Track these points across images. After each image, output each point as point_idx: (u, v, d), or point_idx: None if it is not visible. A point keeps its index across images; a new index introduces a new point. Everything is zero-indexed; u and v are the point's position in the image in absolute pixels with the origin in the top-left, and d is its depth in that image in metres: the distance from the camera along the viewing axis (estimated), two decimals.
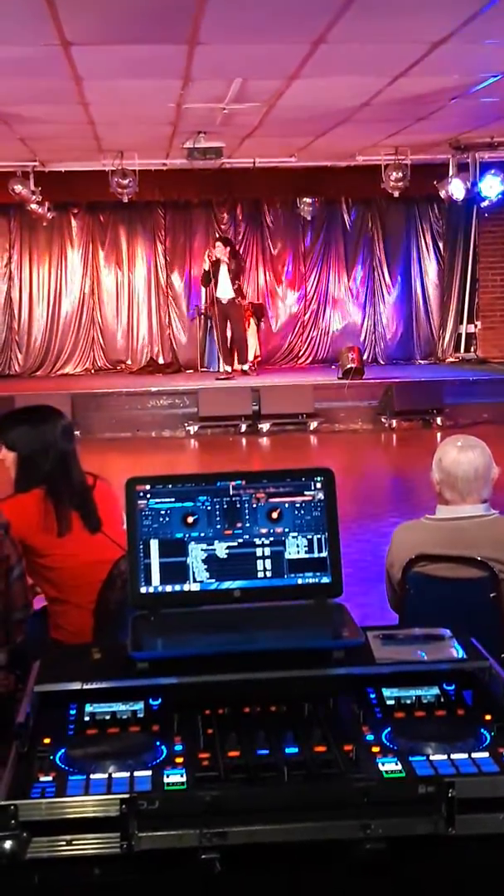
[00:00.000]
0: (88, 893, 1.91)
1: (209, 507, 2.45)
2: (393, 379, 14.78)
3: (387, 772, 1.95)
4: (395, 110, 10.98)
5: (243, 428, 13.93)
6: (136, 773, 1.96)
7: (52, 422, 3.95)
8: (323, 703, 2.19)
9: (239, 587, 2.43)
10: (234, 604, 2.43)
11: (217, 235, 16.42)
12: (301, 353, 17.38)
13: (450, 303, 17.23)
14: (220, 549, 2.44)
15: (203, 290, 16.13)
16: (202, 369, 16.56)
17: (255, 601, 2.44)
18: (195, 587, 2.43)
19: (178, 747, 2.05)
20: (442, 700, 2.23)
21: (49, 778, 1.95)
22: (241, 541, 2.44)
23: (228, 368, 15.29)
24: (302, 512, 2.47)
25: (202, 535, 2.44)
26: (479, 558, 3.61)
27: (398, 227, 17.30)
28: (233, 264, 15.24)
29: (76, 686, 2.23)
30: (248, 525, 2.45)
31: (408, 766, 1.96)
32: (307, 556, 2.46)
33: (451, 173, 13.83)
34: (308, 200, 16.17)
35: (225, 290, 15.16)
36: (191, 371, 16.69)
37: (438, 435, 13.14)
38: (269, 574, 2.44)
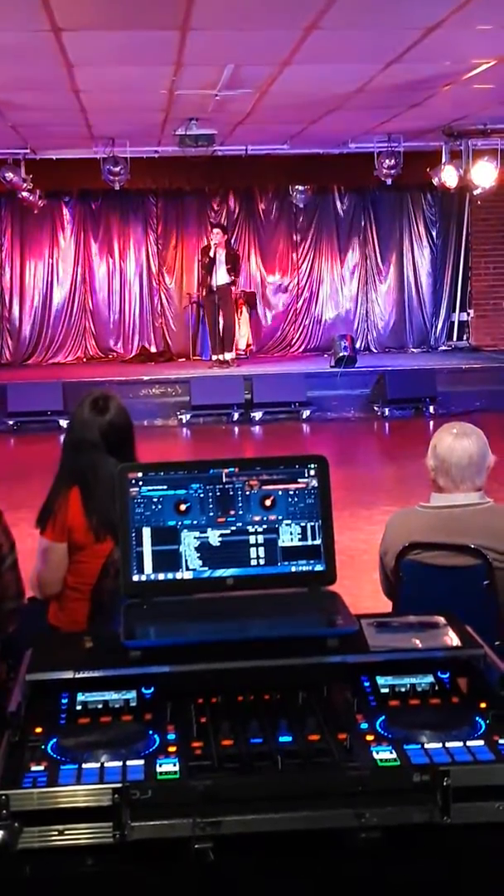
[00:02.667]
0: (81, 883, 1.90)
1: (202, 495, 2.43)
2: (385, 367, 14.76)
3: (381, 760, 1.94)
4: (388, 97, 10.94)
5: (235, 417, 13.91)
6: (129, 763, 1.94)
7: (80, 413, 3.84)
8: (317, 692, 2.18)
9: (232, 575, 2.41)
10: (227, 592, 2.42)
11: (213, 222, 16.37)
12: (293, 341, 17.35)
13: (442, 291, 17.21)
14: (213, 537, 2.42)
15: (201, 277, 15.97)
16: (194, 358, 16.52)
17: (249, 589, 2.42)
18: (188, 575, 2.41)
19: (171, 736, 2.04)
20: (436, 688, 2.22)
21: (41, 767, 1.93)
22: (234, 528, 2.43)
23: (220, 357, 15.23)
24: (295, 499, 2.45)
25: (195, 522, 2.42)
26: (472, 546, 3.60)
27: (391, 215, 17.27)
28: (230, 251, 15.21)
29: (68, 675, 2.22)
30: (241, 513, 2.43)
31: (402, 755, 1.95)
32: (301, 543, 2.44)
33: (443, 161, 13.79)
34: (300, 188, 16.12)
35: (220, 277, 15.10)
36: (183, 360, 16.66)
37: (431, 423, 13.13)
38: (262, 562, 2.43)
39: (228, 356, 15.21)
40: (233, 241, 16.37)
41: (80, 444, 3.82)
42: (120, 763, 1.94)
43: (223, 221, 16.64)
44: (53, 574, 3.81)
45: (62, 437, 4.04)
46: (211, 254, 15.10)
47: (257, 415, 13.90)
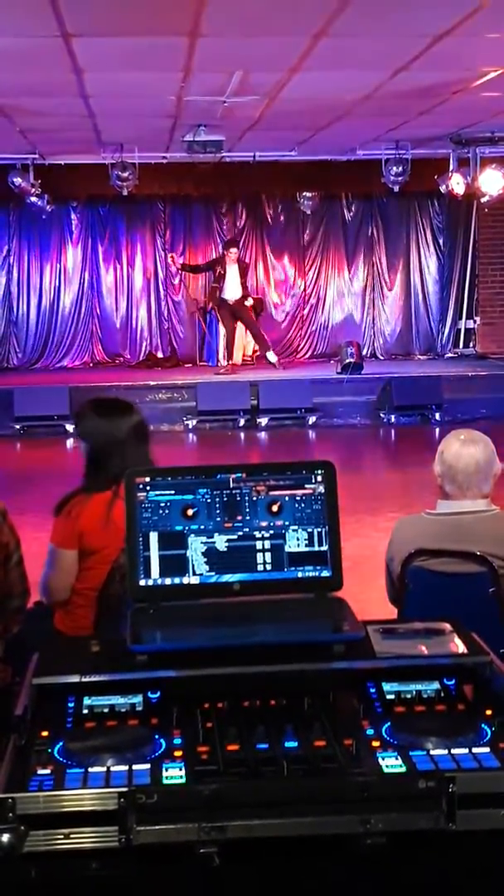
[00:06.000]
0: (86, 887, 1.90)
1: (209, 500, 2.43)
2: (392, 374, 14.76)
3: (387, 766, 1.94)
4: (396, 104, 10.95)
5: (242, 422, 13.92)
6: (135, 767, 1.94)
7: (126, 418, 3.88)
8: (323, 698, 2.18)
9: (239, 580, 2.42)
10: (233, 597, 2.42)
11: (226, 239, 16.42)
12: (300, 347, 17.36)
13: (449, 298, 17.21)
14: (220, 542, 2.42)
15: (210, 288, 16.11)
16: (201, 363, 16.55)
17: (255, 594, 2.43)
18: (195, 580, 2.41)
19: (177, 741, 2.04)
20: (442, 695, 2.22)
21: (47, 771, 1.93)
22: (241, 534, 2.43)
23: (268, 359, 15.29)
24: (302, 505, 2.45)
25: (202, 527, 2.42)
26: (478, 553, 3.60)
27: (398, 222, 17.28)
28: (242, 266, 15.35)
29: (75, 679, 2.22)
30: (248, 518, 2.44)
31: (408, 761, 1.95)
32: (307, 549, 2.44)
33: (451, 168, 13.80)
34: (308, 195, 16.13)
35: (233, 291, 15.19)
36: (189, 365, 16.68)
37: (437, 430, 13.14)
38: (268, 567, 2.43)
39: (273, 358, 15.39)
40: (239, 247, 16.40)
41: (117, 443, 3.79)
42: (126, 767, 1.94)
43: (230, 228, 16.68)
44: (62, 580, 3.81)
45: (69, 442, 4.05)
46: (221, 269, 15.24)
47: (263, 421, 13.91)
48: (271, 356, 15.47)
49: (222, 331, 15.90)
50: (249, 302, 15.56)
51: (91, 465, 3.89)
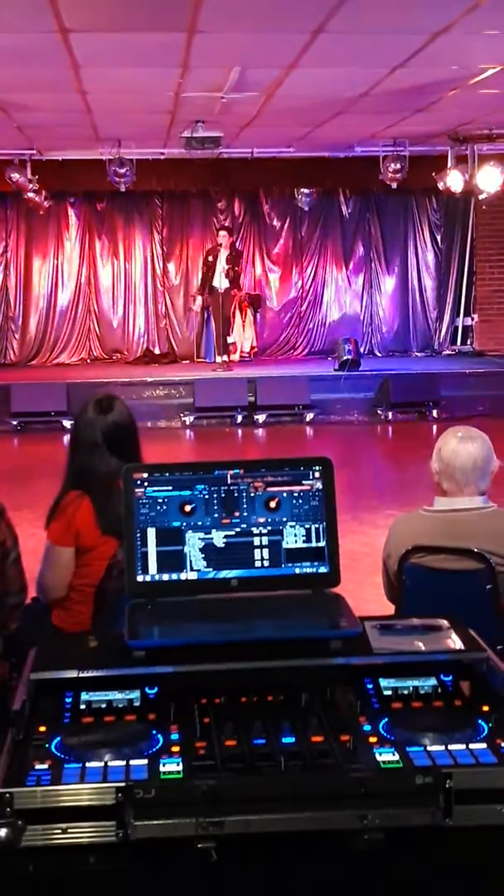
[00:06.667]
0: (84, 882, 1.91)
1: (207, 496, 2.43)
2: (389, 371, 14.76)
3: (384, 762, 1.95)
4: (394, 101, 10.95)
5: (239, 419, 13.91)
6: (132, 762, 1.95)
7: (84, 413, 3.87)
8: (320, 693, 2.19)
9: (236, 576, 2.42)
10: (231, 593, 2.42)
11: (219, 225, 16.39)
12: (297, 344, 17.35)
13: (447, 295, 17.21)
14: (218, 538, 2.42)
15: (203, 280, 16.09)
16: (198, 360, 16.54)
17: (253, 590, 2.43)
18: (192, 576, 2.41)
19: (175, 736, 2.04)
20: (439, 691, 2.23)
21: (45, 766, 1.94)
22: (238, 530, 2.43)
23: (226, 358, 15.27)
24: (300, 501, 2.46)
25: (200, 523, 2.42)
26: (475, 550, 3.60)
27: (396, 219, 17.28)
28: (233, 252, 15.28)
29: (72, 674, 2.22)
30: (245, 514, 2.44)
31: (405, 757, 1.96)
32: (305, 545, 2.45)
33: (449, 165, 13.80)
34: (306, 191, 16.13)
35: (222, 279, 15.17)
36: (187, 361, 16.67)
37: (434, 427, 13.14)
38: (266, 563, 2.43)
39: (230, 339, 15.36)
40: (238, 243, 16.39)
41: (82, 444, 3.83)
42: (123, 762, 1.95)
43: (228, 224, 16.66)
44: (58, 578, 3.80)
45: (66, 438, 4.06)
46: (210, 258, 15.20)
47: (261, 417, 13.91)
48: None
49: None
50: (238, 291, 15.45)
51: (68, 455, 3.91)
